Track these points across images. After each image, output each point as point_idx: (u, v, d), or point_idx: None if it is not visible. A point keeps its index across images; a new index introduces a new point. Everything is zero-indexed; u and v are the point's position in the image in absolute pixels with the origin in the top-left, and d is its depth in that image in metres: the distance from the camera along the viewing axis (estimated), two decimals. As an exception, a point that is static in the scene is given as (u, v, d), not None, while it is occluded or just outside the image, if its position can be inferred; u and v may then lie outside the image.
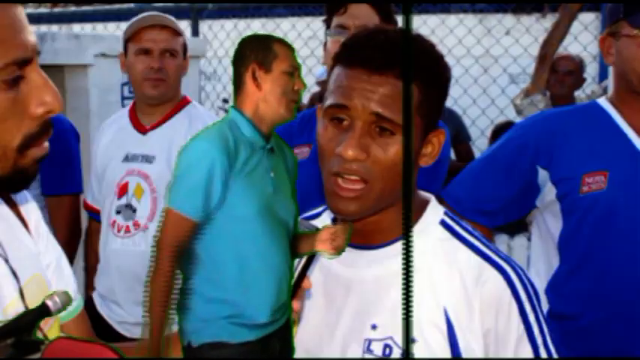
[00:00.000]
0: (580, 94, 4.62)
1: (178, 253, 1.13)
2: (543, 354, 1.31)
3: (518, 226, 3.69)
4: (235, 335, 1.16)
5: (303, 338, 1.36)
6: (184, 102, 2.76)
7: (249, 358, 1.16)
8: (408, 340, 0.70)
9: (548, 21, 5.42)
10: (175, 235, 1.12)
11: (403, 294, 0.71)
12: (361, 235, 1.35)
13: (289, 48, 1.23)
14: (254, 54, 1.20)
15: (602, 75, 5.47)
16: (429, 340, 1.27)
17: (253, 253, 1.16)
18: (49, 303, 0.94)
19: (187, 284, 1.18)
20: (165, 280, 1.14)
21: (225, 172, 1.14)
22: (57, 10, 8.03)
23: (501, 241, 3.94)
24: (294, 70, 1.20)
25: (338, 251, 1.21)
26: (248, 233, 1.16)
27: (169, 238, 1.12)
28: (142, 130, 2.71)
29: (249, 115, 1.20)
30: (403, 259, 0.72)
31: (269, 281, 1.17)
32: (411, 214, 0.71)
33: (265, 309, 1.16)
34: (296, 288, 1.28)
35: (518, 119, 3.74)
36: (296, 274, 1.28)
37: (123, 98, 4.13)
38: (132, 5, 7.06)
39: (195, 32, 6.02)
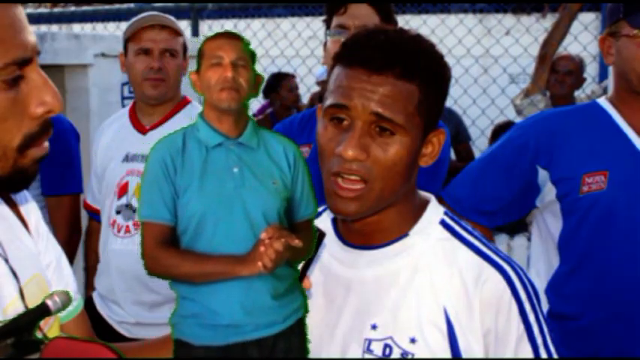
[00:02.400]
0: (580, 94, 4.62)
1: (163, 250, 1.16)
2: (543, 354, 1.31)
3: (518, 226, 3.69)
4: (199, 337, 1.18)
5: (303, 338, 1.36)
6: (184, 102, 2.76)
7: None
8: None
9: (548, 21, 5.43)
10: (151, 241, 1.17)
11: None
12: (361, 235, 1.35)
13: (217, 38, 1.24)
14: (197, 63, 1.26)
15: (602, 75, 5.47)
16: (429, 340, 1.27)
17: (211, 250, 1.18)
18: (49, 303, 0.94)
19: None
20: (181, 269, 1.17)
21: (170, 170, 1.20)
22: (57, 10, 8.03)
23: (501, 241, 3.94)
24: (219, 60, 1.22)
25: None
26: (203, 230, 1.19)
27: (147, 246, 1.18)
28: (142, 130, 2.71)
29: (205, 116, 1.25)
30: None
31: (232, 280, 1.18)
32: None
33: (228, 310, 1.17)
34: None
35: (518, 119, 3.74)
36: (296, 275, 1.29)
37: (123, 98, 4.13)
38: (132, 5, 7.06)
39: (195, 32, 6.02)
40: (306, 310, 1.28)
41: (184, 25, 4.26)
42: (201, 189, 1.20)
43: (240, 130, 1.25)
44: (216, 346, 1.17)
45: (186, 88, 2.90)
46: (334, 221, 1.42)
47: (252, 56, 1.28)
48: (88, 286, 2.96)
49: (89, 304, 2.71)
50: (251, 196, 1.21)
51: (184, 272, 1.17)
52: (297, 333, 1.25)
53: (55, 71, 3.80)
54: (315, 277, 1.37)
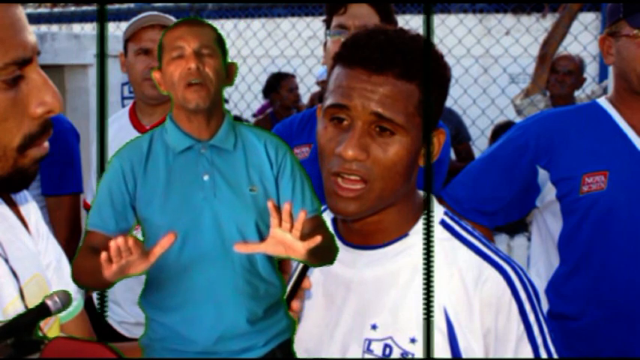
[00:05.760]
0: (580, 94, 4.62)
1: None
2: (543, 354, 1.31)
3: (518, 226, 3.69)
4: None
5: (303, 338, 1.36)
6: (184, 102, 2.76)
7: None
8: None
9: (548, 21, 5.43)
10: (84, 249, 1.05)
11: (424, 293, 0.71)
12: (361, 235, 1.35)
13: (177, 28, 1.10)
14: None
15: (602, 75, 5.48)
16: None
17: (178, 268, 1.07)
18: (49, 303, 0.93)
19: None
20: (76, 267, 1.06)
21: (128, 181, 1.09)
22: (57, 10, 8.04)
23: (501, 241, 3.94)
24: (181, 51, 1.08)
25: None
26: (170, 247, 1.03)
27: (78, 254, 1.06)
28: (142, 130, 2.71)
29: (174, 117, 1.12)
30: (424, 253, 0.72)
31: (202, 301, 1.07)
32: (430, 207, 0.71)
33: (199, 336, 1.07)
34: (296, 288, 1.28)
35: (518, 119, 3.75)
36: (296, 274, 1.28)
37: (123, 98, 4.13)
38: (132, 5, 7.07)
39: (195, 32, 6.00)
40: (293, 333, 1.18)
41: (184, 25, 4.25)
42: (165, 201, 1.07)
43: (212, 131, 1.10)
44: None
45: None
46: (334, 221, 1.42)
47: (220, 43, 1.12)
48: (88, 286, 2.96)
49: (89, 304, 2.71)
50: (223, 207, 1.08)
51: (78, 272, 1.03)
52: (279, 358, 1.13)
53: (55, 71, 3.80)
54: (315, 277, 1.37)
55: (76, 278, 1.06)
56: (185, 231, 1.06)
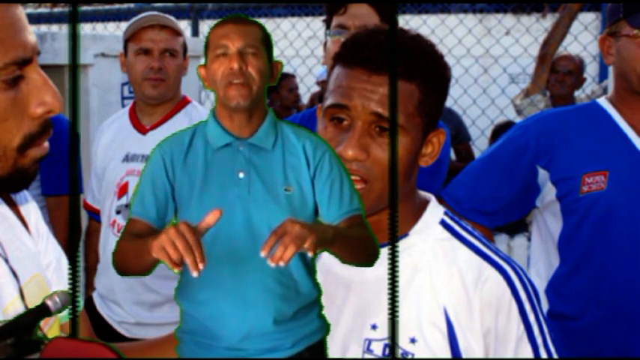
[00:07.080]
0: (580, 94, 4.62)
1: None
2: (543, 354, 1.31)
3: (518, 226, 3.69)
4: (197, 356, 1.09)
5: (303, 338, 1.36)
6: (184, 102, 2.77)
7: None
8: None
9: (548, 21, 5.43)
10: (127, 235, 1.08)
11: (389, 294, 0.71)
12: (361, 235, 1.35)
13: (223, 25, 1.10)
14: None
15: (602, 75, 5.48)
16: (429, 340, 1.27)
17: (208, 263, 1.03)
18: (49, 303, 0.93)
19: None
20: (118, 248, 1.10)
21: (169, 171, 1.09)
22: (57, 10, 8.04)
23: (501, 241, 3.94)
24: (225, 50, 1.08)
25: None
26: (201, 242, 1.02)
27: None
28: (142, 130, 2.71)
29: (216, 113, 1.13)
30: (389, 260, 0.72)
31: (229, 298, 1.08)
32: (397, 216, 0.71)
33: (225, 331, 1.08)
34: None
35: (518, 119, 3.75)
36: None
37: (123, 98, 4.13)
38: (132, 5, 7.06)
39: (195, 32, 6.02)
40: (326, 335, 1.16)
41: (184, 25, 4.27)
42: (200, 196, 1.08)
43: (253, 129, 1.11)
44: None
45: (186, 88, 2.91)
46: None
47: (266, 41, 1.12)
48: (88, 286, 2.96)
49: (89, 304, 2.71)
50: (256, 205, 1.08)
51: (122, 257, 1.06)
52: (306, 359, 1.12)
53: (55, 71, 3.80)
54: (315, 277, 1.37)
55: (118, 264, 1.07)
56: (217, 227, 1.05)
